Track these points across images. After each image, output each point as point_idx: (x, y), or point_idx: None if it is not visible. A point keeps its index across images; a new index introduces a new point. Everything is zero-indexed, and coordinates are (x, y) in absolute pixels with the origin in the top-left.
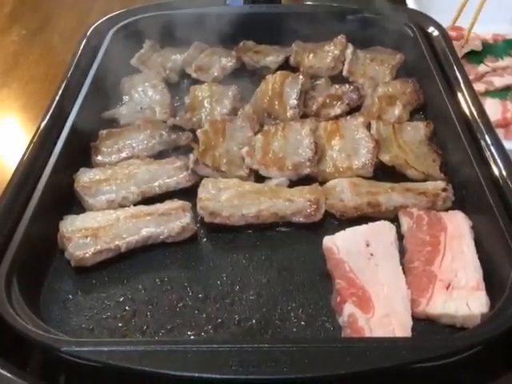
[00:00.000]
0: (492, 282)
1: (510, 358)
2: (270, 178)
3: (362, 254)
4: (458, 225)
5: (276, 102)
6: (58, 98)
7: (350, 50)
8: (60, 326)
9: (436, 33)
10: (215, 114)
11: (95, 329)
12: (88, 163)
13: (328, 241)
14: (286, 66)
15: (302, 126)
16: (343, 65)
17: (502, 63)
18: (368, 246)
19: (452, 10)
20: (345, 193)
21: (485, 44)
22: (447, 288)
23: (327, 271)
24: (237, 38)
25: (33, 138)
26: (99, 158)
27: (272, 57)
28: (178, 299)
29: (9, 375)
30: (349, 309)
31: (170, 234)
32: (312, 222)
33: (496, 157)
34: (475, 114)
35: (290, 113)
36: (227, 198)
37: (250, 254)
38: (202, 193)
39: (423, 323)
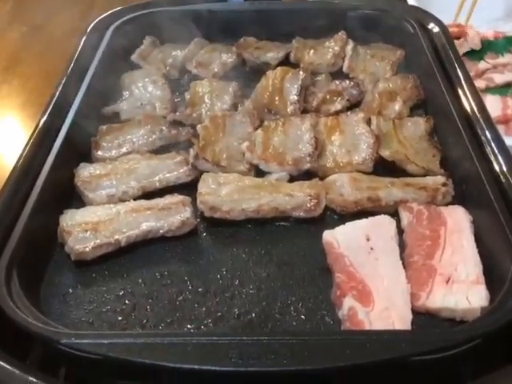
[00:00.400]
0: (492, 275)
1: (509, 350)
2: (270, 173)
3: (362, 248)
4: (457, 219)
5: (276, 98)
6: (58, 93)
7: (350, 46)
8: (60, 319)
9: (436, 29)
10: (215, 109)
11: (95, 322)
12: (88, 158)
13: (328, 235)
14: (286, 62)
15: (303, 122)
16: (343, 61)
17: (502, 60)
18: (368, 240)
19: (451, 8)
20: (345, 187)
21: (485, 41)
22: (447, 282)
23: (327, 265)
24: (237, 34)
25: (33, 132)
26: (99, 153)
27: (272, 53)
28: (177, 293)
29: (9, 367)
30: (349, 302)
31: (170, 228)
32: (312, 217)
33: (496, 152)
34: (475, 109)
35: (290, 108)
36: (227, 193)
37: (249, 248)
38: (202, 187)
39: (423, 317)
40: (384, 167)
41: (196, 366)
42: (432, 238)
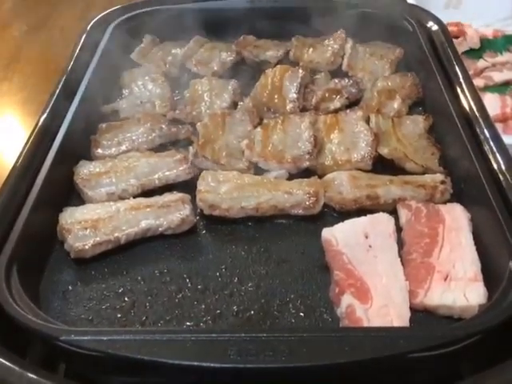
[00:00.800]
0: (490, 273)
1: (507, 347)
2: (269, 171)
3: (360, 245)
4: (456, 217)
5: (275, 96)
6: (58, 91)
7: (349, 44)
8: (59, 316)
9: (435, 27)
10: (215, 107)
11: (94, 319)
12: (88, 156)
13: (327, 233)
14: (285, 60)
15: (302, 120)
16: (343, 59)
17: (501, 58)
18: (367, 237)
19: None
20: (344, 185)
21: (484, 39)
22: (445, 279)
23: (326, 263)
24: (237, 32)
25: (33, 130)
26: (99, 150)
27: (272, 51)
28: (177, 290)
29: (9, 364)
30: (347, 300)
31: (169, 226)
32: (311, 215)
33: (495, 150)
34: (474, 107)
35: (289, 106)
36: (226, 191)
37: (248, 245)
38: (201, 185)
39: (421, 314)
40: (383, 165)
41: (195, 363)
42: (430, 236)
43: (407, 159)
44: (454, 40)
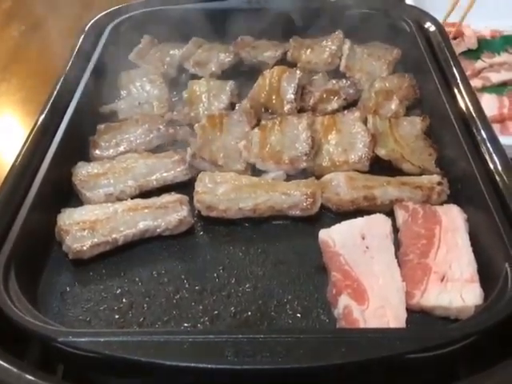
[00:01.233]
0: (486, 273)
1: (503, 348)
2: (266, 172)
3: (357, 246)
4: (452, 218)
5: (273, 97)
6: (56, 92)
7: (347, 45)
8: (57, 317)
9: (433, 28)
10: (213, 108)
11: (92, 320)
12: (86, 157)
13: (324, 234)
14: (283, 61)
15: (299, 121)
16: (340, 60)
17: (499, 59)
18: (364, 238)
19: (448, 7)
20: (341, 186)
21: (482, 40)
22: (441, 280)
23: (323, 264)
24: (235, 33)
25: (31, 131)
26: (97, 151)
27: (270, 52)
28: (174, 291)
29: (7, 365)
30: (344, 301)
31: (167, 227)
32: (308, 216)
33: (491, 151)
34: (471, 108)
35: (287, 107)
36: (224, 192)
37: (246, 247)
38: (198, 186)
39: (418, 315)
40: (380, 166)
41: (192, 364)
42: (427, 237)
43: (404, 160)
44: (452, 41)
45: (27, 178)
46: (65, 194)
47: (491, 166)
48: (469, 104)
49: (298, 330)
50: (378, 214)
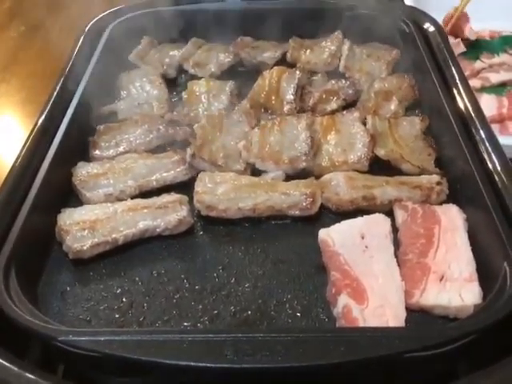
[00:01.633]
0: (485, 273)
1: (502, 347)
2: (266, 172)
3: (356, 246)
4: (451, 218)
5: (273, 97)
6: (56, 92)
7: (346, 45)
8: (58, 316)
9: (432, 29)
10: (212, 109)
11: (92, 320)
12: (86, 157)
13: (323, 233)
14: (283, 61)
15: (299, 121)
16: (340, 60)
17: (498, 59)
18: (363, 238)
19: (447, 8)
20: (340, 186)
21: (481, 40)
22: (441, 280)
23: (322, 263)
24: (234, 33)
25: (31, 132)
26: (97, 152)
27: (269, 52)
28: (174, 291)
29: (7, 365)
30: (343, 300)
31: (166, 226)
32: (308, 215)
33: (490, 151)
34: (470, 108)
35: (286, 108)
36: (224, 192)
37: (246, 246)
38: (198, 186)
39: (417, 314)
40: (379, 166)
41: (192, 363)
42: (426, 237)
43: (403, 160)
44: (451, 41)
45: (27, 178)
46: (65, 194)
47: (490, 165)
48: (468, 104)
49: (298, 329)
50: (377, 214)
